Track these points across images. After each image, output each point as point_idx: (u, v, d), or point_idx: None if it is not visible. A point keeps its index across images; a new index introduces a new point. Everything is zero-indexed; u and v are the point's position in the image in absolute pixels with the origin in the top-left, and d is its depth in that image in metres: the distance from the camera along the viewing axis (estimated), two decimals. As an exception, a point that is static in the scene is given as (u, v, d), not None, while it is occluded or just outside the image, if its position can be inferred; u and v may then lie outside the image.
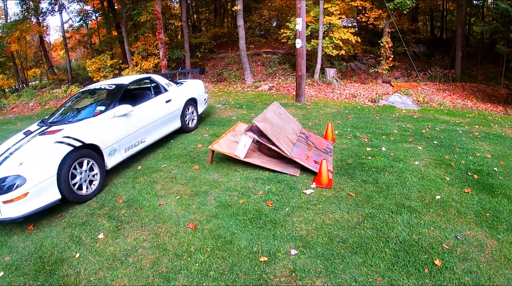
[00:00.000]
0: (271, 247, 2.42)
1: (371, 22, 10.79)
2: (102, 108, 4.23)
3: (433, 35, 20.65)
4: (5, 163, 3.31)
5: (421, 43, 16.36)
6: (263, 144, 3.59)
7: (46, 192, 3.13)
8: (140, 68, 13.96)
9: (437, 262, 2.28)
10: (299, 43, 7.35)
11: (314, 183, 3.30)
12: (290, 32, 11.43)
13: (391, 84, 10.16)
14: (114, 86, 4.75)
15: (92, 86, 5.19)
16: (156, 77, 5.33)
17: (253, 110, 7.28)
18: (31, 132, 3.92)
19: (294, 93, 9.40)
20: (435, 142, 5.03)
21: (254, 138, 3.45)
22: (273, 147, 3.48)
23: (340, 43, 10.90)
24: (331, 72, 10.12)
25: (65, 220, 3.12)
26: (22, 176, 3.12)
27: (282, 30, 11.96)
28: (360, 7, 11.28)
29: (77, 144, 3.41)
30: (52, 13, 19.54)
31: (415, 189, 3.35)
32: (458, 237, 2.54)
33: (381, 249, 2.41)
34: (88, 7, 22.54)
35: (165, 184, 3.56)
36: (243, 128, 4.66)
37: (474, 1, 15.44)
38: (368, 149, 4.52)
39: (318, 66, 10.64)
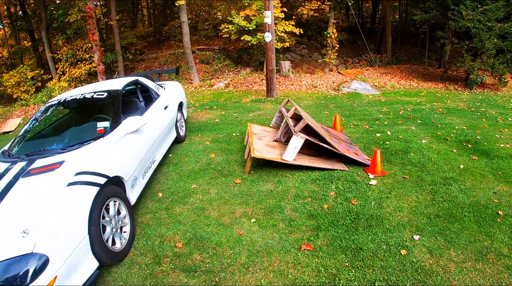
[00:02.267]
0: (396, 240, 2.58)
1: (311, 14, 11.73)
2: (106, 124, 3.38)
3: (355, 23, 23.36)
4: None
5: (344, 31, 18.36)
6: (308, 143, 3.74)
7: (80, 265, 2.24)
8: (70, 77, 12.38)
9: (500, 212, 2.90)
10: (268, 36, 7.57)
11: (369, 174, 3.63)
12: (233, 27, 11.56)
13: (339, 72, 11.27)
14: (106, 94, 3.83)
15: (62, 97, 4.06)
16: (144, 80, 4.74)
17: (230, 110, 7.22)
18: None
19: (255, 88, 9.66)
20: (418, 121, 5.91)
21: (305, 138, 3.57)
22: (325, 146, 3.66)
23: (285, 35, 11.54)
24: (286, 64, 10.66)
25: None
26: (38, 254, 2.08)
27: (223, 25, 11.98)
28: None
29: (102, 180, 2.57)
30: None
31: (441, 163, 3.97)
32: (495, 192, 3.25)
33: (463, 215, 2.89)
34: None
35: (219, 208, 3.21)
36: (259, 130, 4.69)
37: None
38: (378, 135, 5.07)
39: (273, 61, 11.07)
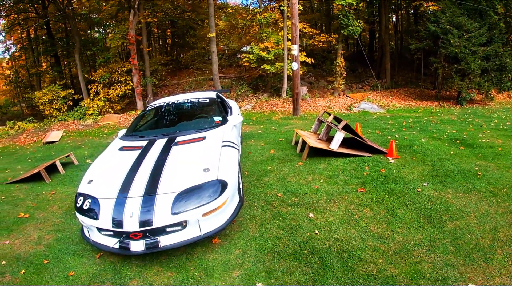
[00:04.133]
0: (413, 185, 4.42)
1: (320, 45, 14.21)
2: (219, 118, 5.09)
3: (354, 52, 26.24)
4: (176, 174, 3.56)
5: (345, 59, 21.02)
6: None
7: (234, 196, 3.47)
8: (105, 97, 14.24)
9: (479, 173, 4.66)
10: (295, 65, 9.76)
11: (388, 157, 5.60)
12: (252, 56, 13.91)
13: (347, 96, 13.55)
14: (208, 100, 5.76)
15: (164, 101, 5.91)
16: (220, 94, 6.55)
17: (266, 125, 9.26)
18: (144, 147, 4.26)
19: (279, 109, 11.80)
20: (418, 128, 7.99)
21: (344, 133, 5.59)
22: (358, 138, 5.67)
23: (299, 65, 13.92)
24: (303, 89, 12.92)
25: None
26: (223, 180, 3.43)
27: (243, 55, 14.38)
28: (310, 33, 14.62)
29: (237, 147, 4.23)
30: None
31: (437, 151, 5.86)
32: (476, 165, 5.05)
33: (454, 174, 4.67)
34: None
35: (295, 177, 5.00)
36: (305, 133, 6.67)
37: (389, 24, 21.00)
38: (389, 137, 7.08)
39: (285, 85, 13.35)
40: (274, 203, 4.30)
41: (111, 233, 3.47)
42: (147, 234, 3.29)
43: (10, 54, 23.99)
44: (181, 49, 20.58)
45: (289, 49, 14.00)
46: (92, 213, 3.53)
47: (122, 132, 5.39)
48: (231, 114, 5.93)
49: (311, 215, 3.94)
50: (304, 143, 6.05)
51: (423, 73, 15.29)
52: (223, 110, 5.75)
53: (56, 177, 7.01)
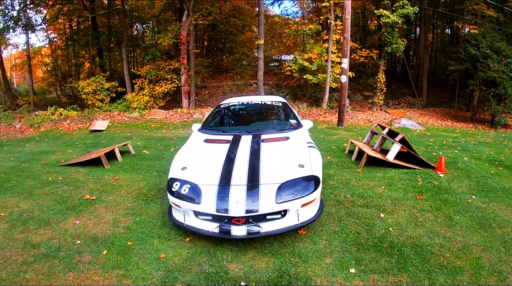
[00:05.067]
0: (463, 197, 5.19)
1: (361, 60, 15.05)
2: (294, 121, 5.69)
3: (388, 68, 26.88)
4: (273, 167, 3.98)
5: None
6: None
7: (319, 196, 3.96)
8: (149, 93, 15.06)
9: None
10: (344, 78, 10.58)
11: (437, 171, 6.41)
12: (295, 65, 14.79)
13: (386, 111, 14.35)
14: (281, 103, 6.27)
15: (236, 101, 6.54)
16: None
17: (313, 133, 10.03)
18: (231, 141, 4.76)
19: (321, 119, 12.68)
20: (458, 148, 8.75)
21: (401, 145, 6.44)
22: (412, 152, 6.52)
23: (339, 77, 14.73)
24: (346, 102, 13.74)
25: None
26: (317, 176, 3.83)
27: (286, 63, 15.32)
28: (352, 48, 15.48)
29: (317, 148, 4.74)
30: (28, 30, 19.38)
31: (479, 169, 6.57)
32: None
33: (497, 190, 5.38)
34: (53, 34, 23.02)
35: (357, 182, 5.79)
36: (360, 143, 7.53)
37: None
38: (434, 154, 7.87)
39: (326, 97, 14.21)
40: (345, 203, 5.04)
41: (210, 217, 3.77)
42: (250, 220, 3.62)
43: (50, 43, 25.42)
44: (220, 53, 21.76)
45: (334, 62, 14.95)
46: (192, 198, 3.83)
47: (197, 126, 5.97)
48: None
49: (382, 215, 4.64)
50: (360, 152, 6.92)
51: (457, 94, 15.98)
52: (295, 114, 6.23)
53: (114, 164, 7.49)
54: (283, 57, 24.29)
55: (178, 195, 3.94)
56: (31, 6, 19.42)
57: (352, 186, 5.72)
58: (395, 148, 6.40)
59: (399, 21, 13.62)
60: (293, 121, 5.71)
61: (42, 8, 20.86)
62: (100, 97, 16.49)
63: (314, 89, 15.37)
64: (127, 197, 5.55)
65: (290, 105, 6.73)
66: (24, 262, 3.94)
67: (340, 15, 14.14)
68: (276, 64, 21.98)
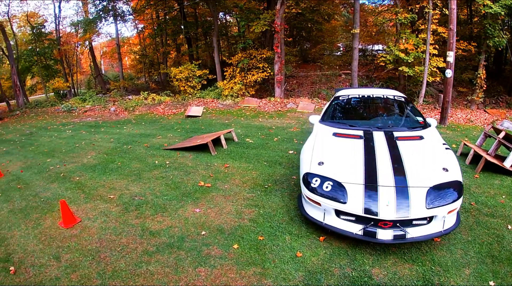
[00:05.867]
0: None
1: (459, 53, 14.17)
2: (421, 119, 5.44)
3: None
4: (417, 169, 3.78)
5: (472, 70, 20.05)
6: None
7: None
8: (240, 81, 15.72)
9: None
10: (449, 73, 10.14)
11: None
12: (389, 57, 14.45)
13: (485, 111, 13.54)
14: (403, 98, 6.00)
15: (355, 93, 6.34)
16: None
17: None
18: (364, 137, 4.59)
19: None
20: None
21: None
22: None
23: (437, 70, 14.21)
24: (450, 98, 13.24)
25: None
26: (461, 182, 3.67)
27: (380, 54, 15.08)
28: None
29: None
30: (116, 20, 21.80)
31: None
32: None
33: None
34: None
35: (487, 189, 5.63)
36: (473, 146, 7.44)
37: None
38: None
39: (423, 91, 13.72)
40: (472, 212, 4.86)
41: (353, 218, 3.65)
42: (397, 224, 3.48)
43: (138, 33, 27.80)
44: (305, 42, 22.03)
45: (430, 54, 14.32)
46: (336, 196, 3.71)
47: (315, 117, 5.87)
48: None
49: (509, 226, 4.42)
50: (476, 156, 6.92)
51: None
52: (418, 111, 5.96)
53: (220, 151, 7.63)
54: (368, 47, 23.65)
55: (318, 192, 3.82)
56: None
57: (474, 193, 5.57)
58: (512, 158, 6.31)
59: (502, 12, 12.58)
60: (420, 119, 5.47)
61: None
62: (191, 84, 17.45)
63: (408, 82, 14.96)
64: (243, 187, 5.47)
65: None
66: (145, 251, 3.87)
67: (438, 4, 13.49)
68: (360, 54, 21.45)
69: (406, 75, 14.13)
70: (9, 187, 6.93)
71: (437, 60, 14.08)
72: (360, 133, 4.82)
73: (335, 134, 4.88)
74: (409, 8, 14.54)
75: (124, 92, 22.08)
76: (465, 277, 3.42)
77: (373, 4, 20.55)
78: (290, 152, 7.61)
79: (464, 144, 7.59)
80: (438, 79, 14.23)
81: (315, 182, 3.89)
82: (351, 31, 14.19)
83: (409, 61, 13.66)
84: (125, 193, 5.57)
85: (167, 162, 6.88)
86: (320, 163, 4.13)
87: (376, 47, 22.70)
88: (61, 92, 23.96)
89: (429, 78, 13.87)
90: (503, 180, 6.17)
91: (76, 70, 27.96)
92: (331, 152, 4.41)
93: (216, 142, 7.82)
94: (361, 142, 4.53)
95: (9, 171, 8.16)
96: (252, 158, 7.15)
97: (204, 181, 5.70)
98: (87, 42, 24.37)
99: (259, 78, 15.83)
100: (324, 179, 3.89)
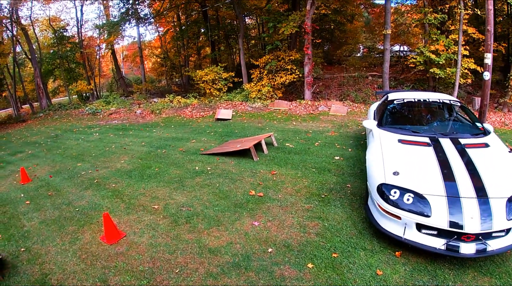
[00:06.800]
0: None
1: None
2: (480, 125, 5.30)
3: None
4: (492, 178, 3.68)
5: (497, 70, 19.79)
6: None
7: None
8: (268, 83, 15.66)
9: None
10: (487, 75, 10.12)
11: None
12: (420, 58, 14.25)
13: (518, 112, 13.48)
14: (459, 103, 5.84)
15: (417, 97, 6.12)
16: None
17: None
18: (433, 145, 4.46)
19: (452, 118, 12.47)
20: None
21: None
22: None
23: (468, 72, 14.12)
24: (478, 100, 13.29)
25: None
26: None
27: (410, 55, 15.05)
28: (480, 40, 14.49)
29: None
30: (139, 23, 22.10)
31: None
32: None
33: None
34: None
35: None
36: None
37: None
38: None
39: (455, 93, 13.66)
40: None
41: (435, 232, 3.52)
42: (479, 237, 3.36)
43: (159, 36, 28.22)
44: (327, 43, 22.09)
45: (462, 55, 14.26)
46: (419, 209, 3.56)
47: (370, 122, 5.76)
48: None
49: None
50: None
51: None
52: (476, 116, 5.83)
53: (261, 156, 7.33)
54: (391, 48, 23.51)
55: (398, 205, 3.67)
56: (140, 1, 21.33)
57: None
58: None
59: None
60: (479, 125, 5.37)
61: (151, 1, 22.66)
62: (218, 87, 17.38)
63: (438, 84, 14.94)
64: (298, 196, 5.22)
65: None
66: (208, 273, 3.51)
67: (468, 4, 13.40)
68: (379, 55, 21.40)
69: (436, 77, 14.12)
70: (38, 194, 6.59)
71: (467, 61, 14.02)
72: (426, 140, 4.72)
73: (400, 141, 4.76)
74: (439, 8, 14.45)
75: (147, 95, 22.42)
76: (542, 292, 3.24)
77: (395, 4, 20.41)
78: (336, 158, 7.40)
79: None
80: (469, 81, 14.17)
81: (394, 194, 3.73)
82: (383, 32, 14.21)
83: (441, 62, 13.61)
84: (170, 203, 5.24)
85: (208, 168, 6.62)
86: (396, 173, 3.97)
87: (396, 47, 22.53)
88: (84, 94, 24.45)
89: (460, 80, 13.84)
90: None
91: (98, 73, 28.43)
92: (403, 161, 4.26)
93: (255, 147, 7.57)
94: (431, 150, 4.41)
95: (37, 176, 7.86)
96: (298, 164, 6.92)
97: (255, 190, 5.45)
98: (109, 45, 24.83)
99: (287, 81, 15.69)
100: (403, 191, 3.74)
